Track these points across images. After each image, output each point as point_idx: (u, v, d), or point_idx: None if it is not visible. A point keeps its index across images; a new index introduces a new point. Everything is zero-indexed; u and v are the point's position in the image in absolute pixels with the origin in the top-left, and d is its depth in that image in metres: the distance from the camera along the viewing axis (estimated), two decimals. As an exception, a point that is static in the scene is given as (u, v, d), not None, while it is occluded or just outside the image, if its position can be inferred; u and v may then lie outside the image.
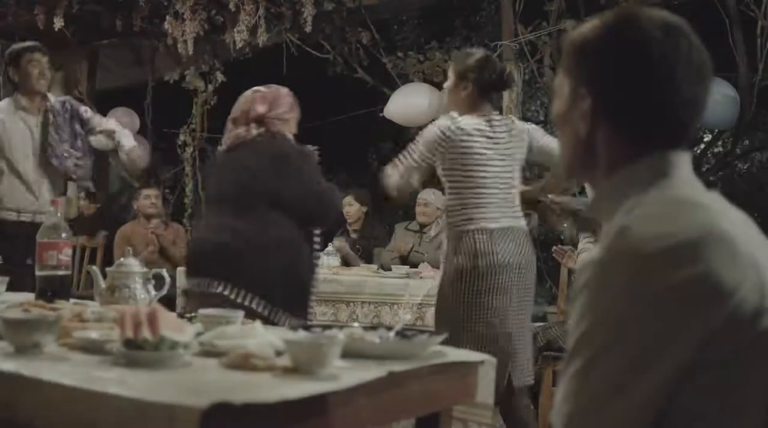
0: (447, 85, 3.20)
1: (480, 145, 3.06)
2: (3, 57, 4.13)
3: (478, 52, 3.21)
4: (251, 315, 2.56)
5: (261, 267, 2.88)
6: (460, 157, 3.05)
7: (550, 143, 3.19)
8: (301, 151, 3.06)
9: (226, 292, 2.86)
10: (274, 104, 3.10)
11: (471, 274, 3.03)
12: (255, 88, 3.19)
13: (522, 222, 3.16)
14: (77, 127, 4.07)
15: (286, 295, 2.92)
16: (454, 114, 3.10)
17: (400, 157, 3.13)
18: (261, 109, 3.07)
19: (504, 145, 3.12)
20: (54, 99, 4.08)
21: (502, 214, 3.08)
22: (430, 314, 3.91)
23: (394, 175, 3.13)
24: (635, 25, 1.12)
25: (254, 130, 3.04)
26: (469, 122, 3.08)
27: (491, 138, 3.09)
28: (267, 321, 2.68)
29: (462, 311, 3.02)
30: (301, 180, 2.97)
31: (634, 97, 1.11)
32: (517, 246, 3.07)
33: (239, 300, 2.83)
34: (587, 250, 3.61)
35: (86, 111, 4.16)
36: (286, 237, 2.94)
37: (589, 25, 1.17)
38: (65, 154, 4.00)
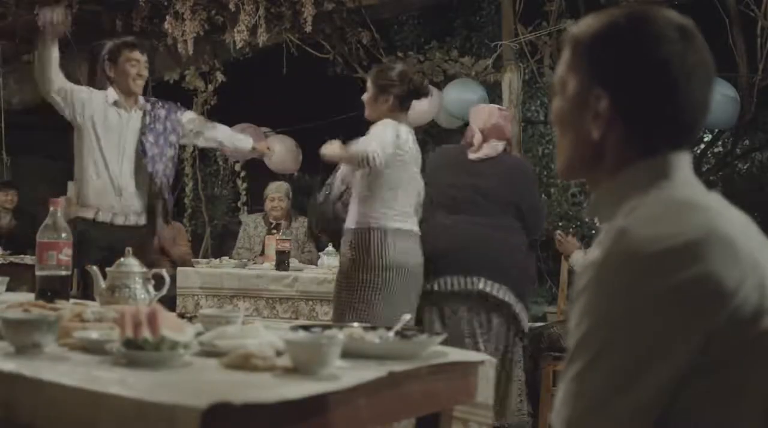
0: (366, 97, 3.32)
1: (403, 152, 3.20)
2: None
3: (397, 66, 3.38)
4: (502, 307, 3.41)
5: (513, 267, 3.44)
6: (393, 161, 3.16)
7: None
8: (532, 169, 3.77)
9: (487, 289, 3.37)
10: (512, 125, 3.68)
11: (362, 270, 3.14)
12: (496, 105, 3.80)
13: (416, 227, 3.28)
14: (172, 137, 3.98)
15: (523, 292, 3.48)
16: (394, 122, 3.19)
17: (377, 148, 3.10)
18: (509, 128, 3.68)
19: (414, 154, 3.27)
20: (154, 101, 3.98)
21: (399, 215, 3.20)
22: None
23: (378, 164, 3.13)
24: (653, 24, 1.10)
25: (503, 147, 3.58)
26: (404, 129, 3.22)
27: (411, 146, 3.24)
28: (510, 313, 3.42)
29: (353, 305, 3.13)
30: (533, 195, 3.63)
31: (654, 99, 1.10)
32: (414, 250, 3.21)
33: (494, 293, 3.37)
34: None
35: (190, 121, 4.08)
36: (524, 243, 3.55)
37: (597, 23, 1.14)
38: (157, 157, 3.89)
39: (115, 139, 3.81)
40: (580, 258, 3.78)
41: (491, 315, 3.44)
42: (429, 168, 3.65)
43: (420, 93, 3.30)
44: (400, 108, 3.27)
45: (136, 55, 3.82)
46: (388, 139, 3.13)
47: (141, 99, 3.92)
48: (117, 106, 3.83)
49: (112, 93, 3.84)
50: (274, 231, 5.41)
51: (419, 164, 3.35)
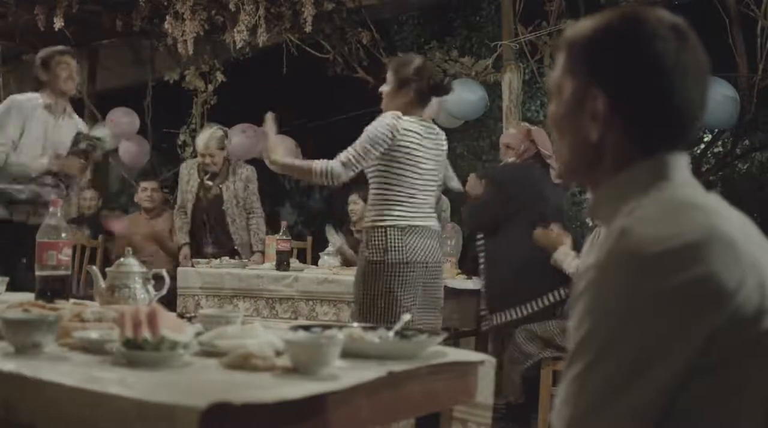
0: (386, 88, 3.27)
1: (415, 147, 3.17)
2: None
3: (417, 59, 3.34)
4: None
5: None
6: (397, 156, 3.15)
7: (449, 181, 3.55)
8: None
9: None
10: None
11: (380, 268, 3.13)
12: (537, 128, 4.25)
13: (434, 223, 3.30)
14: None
15: None
16: (399, 113, 3.18)
17: (349, 154, 3.13)
18: None
19: (432, 149, 3.26)
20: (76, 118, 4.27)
21: (416, 213, 3.20)
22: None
23: (343, 173, 3.15)
24: (645, 23, 1.11)
25: None
26: (411, 123, 3.18)
27: (424, 140, 3.22)
28: None
29: (373, 304, 3.12)
30: None
31: (651, 96, 1.10)
32: (426, 245, 3.20)
33: None
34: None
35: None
36: None
37: (591, 25, 1.15)
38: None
39: (38, 141, 4.04)
40: (564, 255, 3.75)
41: None
42: (528, 186, 3.98)
43: (440, 89, 3.26)
44: (418, 103, 3.23)
45: (67, 59, 4.12)
46: (379, 135, 3.10)
47: (70, 108, 4.21)
48: (48, 110, 4.08)
49: (44, 96, 4.10)
50: (209, 181, 5.15)
51: (438, 159, 3.31)
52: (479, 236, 4.24)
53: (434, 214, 3.33)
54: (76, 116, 4.35)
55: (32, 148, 4.03)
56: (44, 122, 4.09)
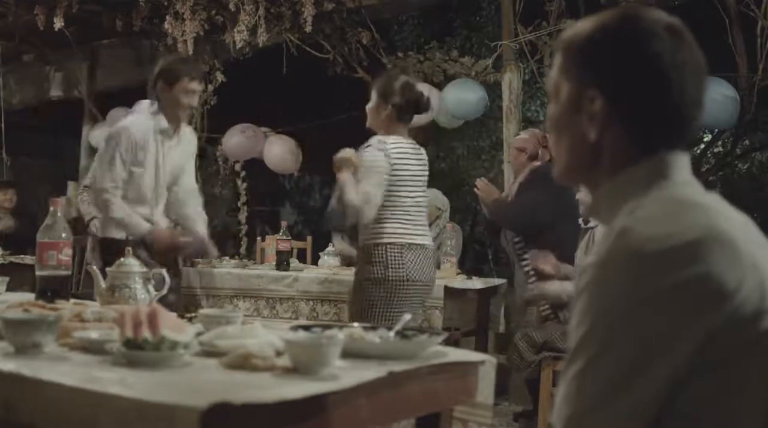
0: (369, 106, 3.35)
1: (403, 167, 3.25)
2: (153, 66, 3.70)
3: (402, 77, 3.43)
4: None
5: None
6: (390, 177, 3.22)
7: None
8: None
9: None
10: None
11: (380, 285, 3.19)
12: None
13: (429, 241, 3.35)
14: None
15: None
16: (383, 138, 3.26)
17: (366, 190, 3.18)
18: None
19: (416, 167, 3.32)
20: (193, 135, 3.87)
21: (413, 232, 3.26)
22: (435, 315, 3.93)
23: (371, 211, 3.21)
24: (641, 23, 1.11)
25: None
26: (396, 144, 3.25)
27: (411, 160, 3.29)
28: None
29: (370, 317, 3.15)
30: None
31: (647, 95, 1.10)
32: (423, 264, 3.26)
33: None
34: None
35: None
36: None
37: (587, 26, 1.15)
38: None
39: (153, 167, 3.64)
40: (559, 288, 3.70)
41: None
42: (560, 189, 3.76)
43: (420, 107, 3.33)
44: (398, 120, 3.30)
45: (195, 85, 3.59)
46: (379, 173, 3.18)
47: (184, 127, 3.77)
48: (163, 134, 3.63)
49: (159, 119, 3.63)
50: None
51: (424, 177, 3.37)
52: (517, 239, 4.17)
53: (429, 234, 3.40)
54: (188, 129, 3.84)
55: (146, 181, 3.60)
56: (158, 149, 3.63)
